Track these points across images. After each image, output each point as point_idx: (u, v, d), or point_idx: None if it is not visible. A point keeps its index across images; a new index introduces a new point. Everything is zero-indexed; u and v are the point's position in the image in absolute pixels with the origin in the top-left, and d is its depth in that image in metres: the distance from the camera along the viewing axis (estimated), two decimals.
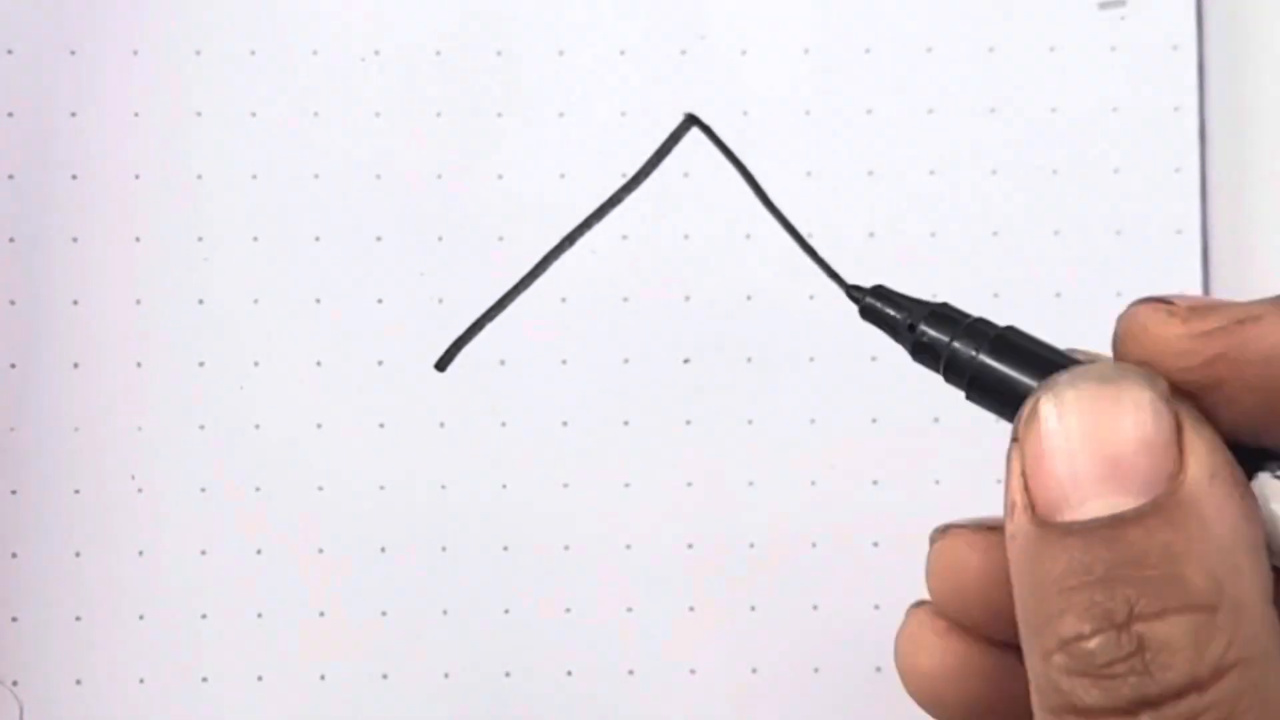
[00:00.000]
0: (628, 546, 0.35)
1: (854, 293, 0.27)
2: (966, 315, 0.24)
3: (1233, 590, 0.20)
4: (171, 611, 0.35)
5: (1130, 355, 0.21)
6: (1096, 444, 0.20)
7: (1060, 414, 0.21)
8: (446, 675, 0.35)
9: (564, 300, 0.36)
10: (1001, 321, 0.33)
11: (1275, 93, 0.38)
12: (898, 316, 0.26)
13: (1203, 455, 0.20)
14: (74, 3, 0.36)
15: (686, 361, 0.36)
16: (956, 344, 0.24)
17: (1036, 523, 0.21)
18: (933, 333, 0.25)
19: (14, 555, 0.35)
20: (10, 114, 0.36)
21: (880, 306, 0.26)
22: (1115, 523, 0.20)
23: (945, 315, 0.25)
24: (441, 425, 0.36)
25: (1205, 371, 0.20)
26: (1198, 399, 0.20)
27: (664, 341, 0.36)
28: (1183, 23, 0.37)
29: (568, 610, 0.35)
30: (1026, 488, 0.21)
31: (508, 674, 0.35)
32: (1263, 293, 0.37)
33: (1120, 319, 0.22)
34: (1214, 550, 0.20)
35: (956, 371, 0.24)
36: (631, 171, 0.37)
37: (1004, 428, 0.35)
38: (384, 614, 0.35)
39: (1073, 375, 0.21)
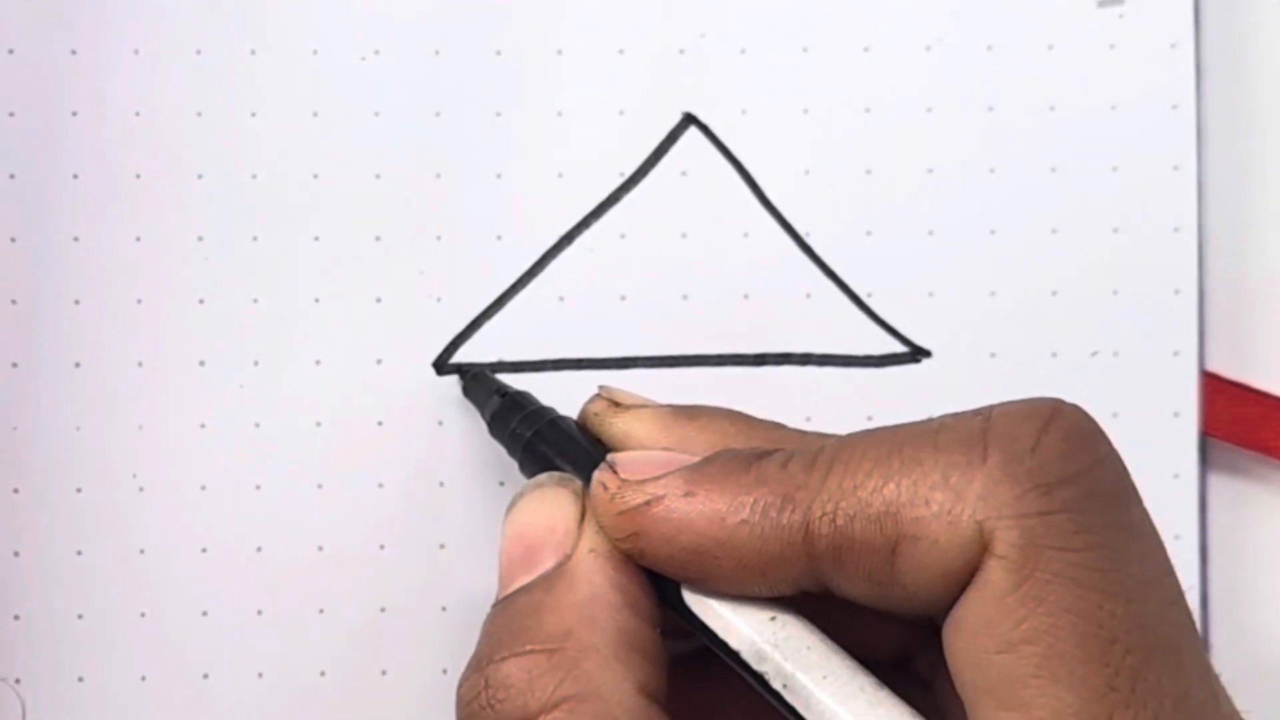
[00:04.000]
0: None
1: (461, 369, 0.35)
2: (531, 405, 0.31)
3: (582, 638, 0.24)
4: (173, 609, 0.35)
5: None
6: (517, 536, 0.26)
7: (508, 517, 0.27)
8: (445, 671, 0.35)
9: (562, 299, 0.36)
10: (1002, 317, 0.34)
11: (1273, 91, 0.38)
12: (484, 397, 0.33)
13: (589, 536, 0.26)
14: (75, 3, 0.36)
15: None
16: (517, 429, 0.31)
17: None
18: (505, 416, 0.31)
19: (16, 553, 0.35)
20: (11, 114, 0.36)
21: (475, 388, 0.34)
22: (516, 593, 0.26)
23: (515, 402, 0.32)
24: (440, 424, 0.36)
25: (629, 544, 0.25)
26: (639, 560, 0.25)
27: (662, 340, 0.36)
28: (1181, 21, 0.37)
29: None
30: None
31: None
32: (1258, 292, 0.37)
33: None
34: (573, 604, 0.25)
35: (512, 446, 0.31)
36: (630, 170, 0.37)
37: None
38: (382, 611, 0.35)
39: (527, 484, 0.28)
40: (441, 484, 0.36)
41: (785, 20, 0.37)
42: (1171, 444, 0.36)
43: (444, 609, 0.35)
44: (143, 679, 0.35)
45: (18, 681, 0.35)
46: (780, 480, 0.25)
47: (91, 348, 0.35)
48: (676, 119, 0.37)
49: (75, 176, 0.36)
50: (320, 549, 0.35)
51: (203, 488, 0.35)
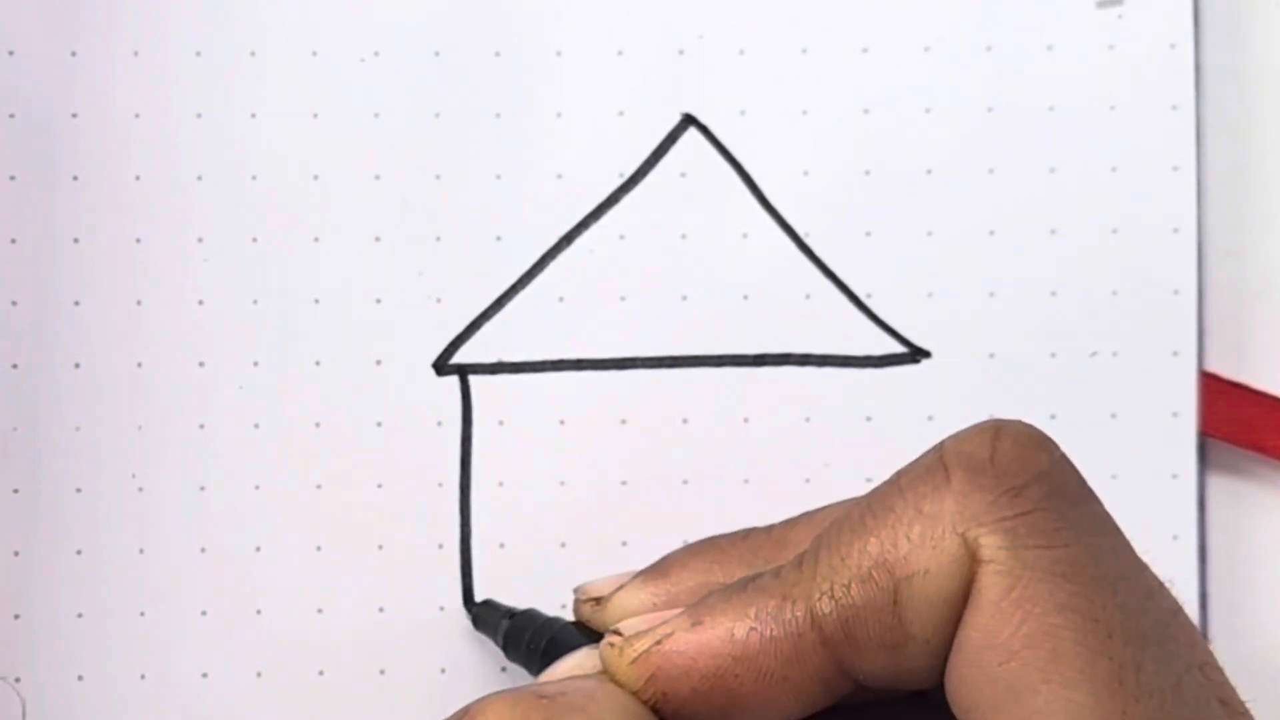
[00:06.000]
0: (624, 544, 0.36)
1: (467, 605, 0.35)
2: (539, 619, 0.32)
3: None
4: (172, 608, 0.35)
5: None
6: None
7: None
8: (443, 670, 0.35)
9: (561, 300, 0.36)
10: (1002, 317, 0.34)
11: (1273, 91, 0.38)
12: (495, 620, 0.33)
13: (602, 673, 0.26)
14: (75, 4, 0.36)
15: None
16: (531, 643, 0.31)
17: None
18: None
19: (16, 553, 0.35)
20: (11, 115, 0.36)
21: (484, 616, 0.34)
22: None
23: (520, 624, 0.32)
24: (439, 424, 0.36)
25: (649, 691, 0.25)
26: (663, 708, 0.26)
27: (661, 340, 0.36)
28: (1180, 21, 0.37)
29: (563, 606, 0.35)
30: None
31: (504, 669, 0.35)
32: (1258, 292, 0.37)
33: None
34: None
35: (530, 661, 0.32)
36: (629, 171, 0.37)
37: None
38: (381, 610, 0.35)
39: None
40: (439, 484, 0.36)
41: (784, 21, 0.37)
42: (1170, 444, 0.36)
43: (442, 608, 0.35)
44: (142, 678, 0.35)
45: (18, 680, 0.35)
46: (776, 586, 0.25)
47: (91, 348, 0.36)
48: (676, 120, 0.37)
49: (75, 178, 0.36)
50: (319, 549, 0.35)
51: (202, 488, 0.35)
